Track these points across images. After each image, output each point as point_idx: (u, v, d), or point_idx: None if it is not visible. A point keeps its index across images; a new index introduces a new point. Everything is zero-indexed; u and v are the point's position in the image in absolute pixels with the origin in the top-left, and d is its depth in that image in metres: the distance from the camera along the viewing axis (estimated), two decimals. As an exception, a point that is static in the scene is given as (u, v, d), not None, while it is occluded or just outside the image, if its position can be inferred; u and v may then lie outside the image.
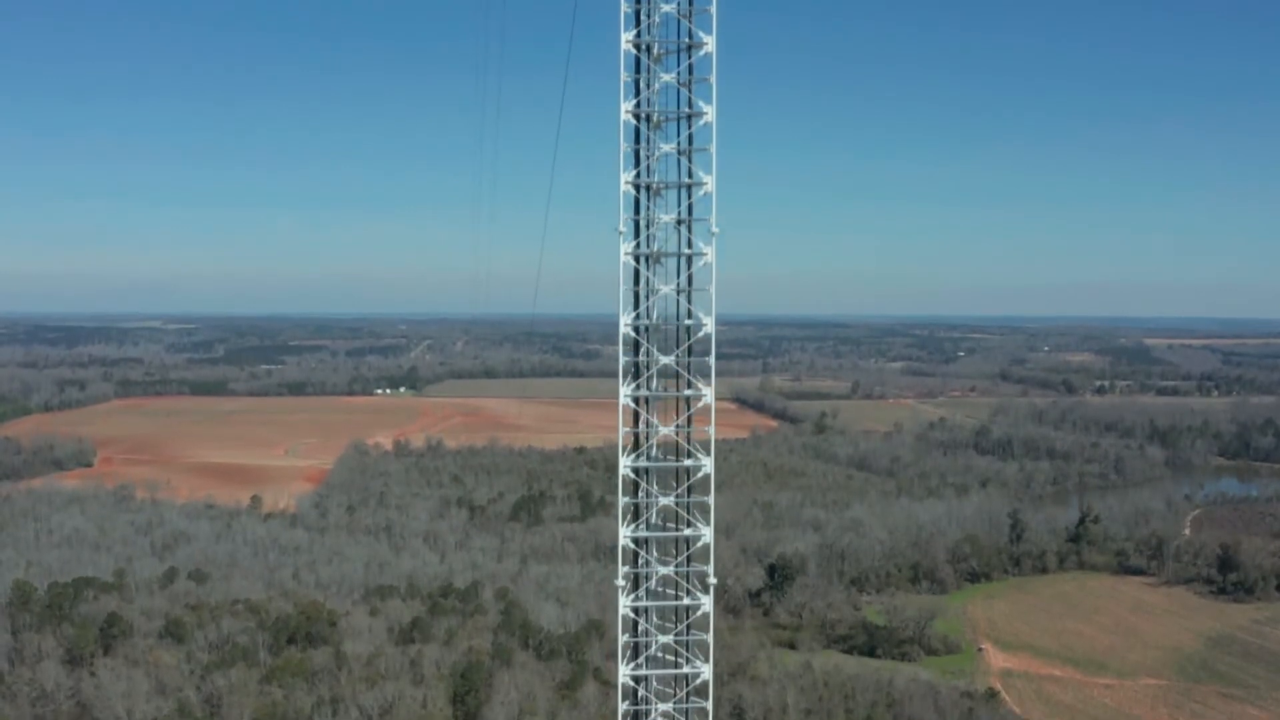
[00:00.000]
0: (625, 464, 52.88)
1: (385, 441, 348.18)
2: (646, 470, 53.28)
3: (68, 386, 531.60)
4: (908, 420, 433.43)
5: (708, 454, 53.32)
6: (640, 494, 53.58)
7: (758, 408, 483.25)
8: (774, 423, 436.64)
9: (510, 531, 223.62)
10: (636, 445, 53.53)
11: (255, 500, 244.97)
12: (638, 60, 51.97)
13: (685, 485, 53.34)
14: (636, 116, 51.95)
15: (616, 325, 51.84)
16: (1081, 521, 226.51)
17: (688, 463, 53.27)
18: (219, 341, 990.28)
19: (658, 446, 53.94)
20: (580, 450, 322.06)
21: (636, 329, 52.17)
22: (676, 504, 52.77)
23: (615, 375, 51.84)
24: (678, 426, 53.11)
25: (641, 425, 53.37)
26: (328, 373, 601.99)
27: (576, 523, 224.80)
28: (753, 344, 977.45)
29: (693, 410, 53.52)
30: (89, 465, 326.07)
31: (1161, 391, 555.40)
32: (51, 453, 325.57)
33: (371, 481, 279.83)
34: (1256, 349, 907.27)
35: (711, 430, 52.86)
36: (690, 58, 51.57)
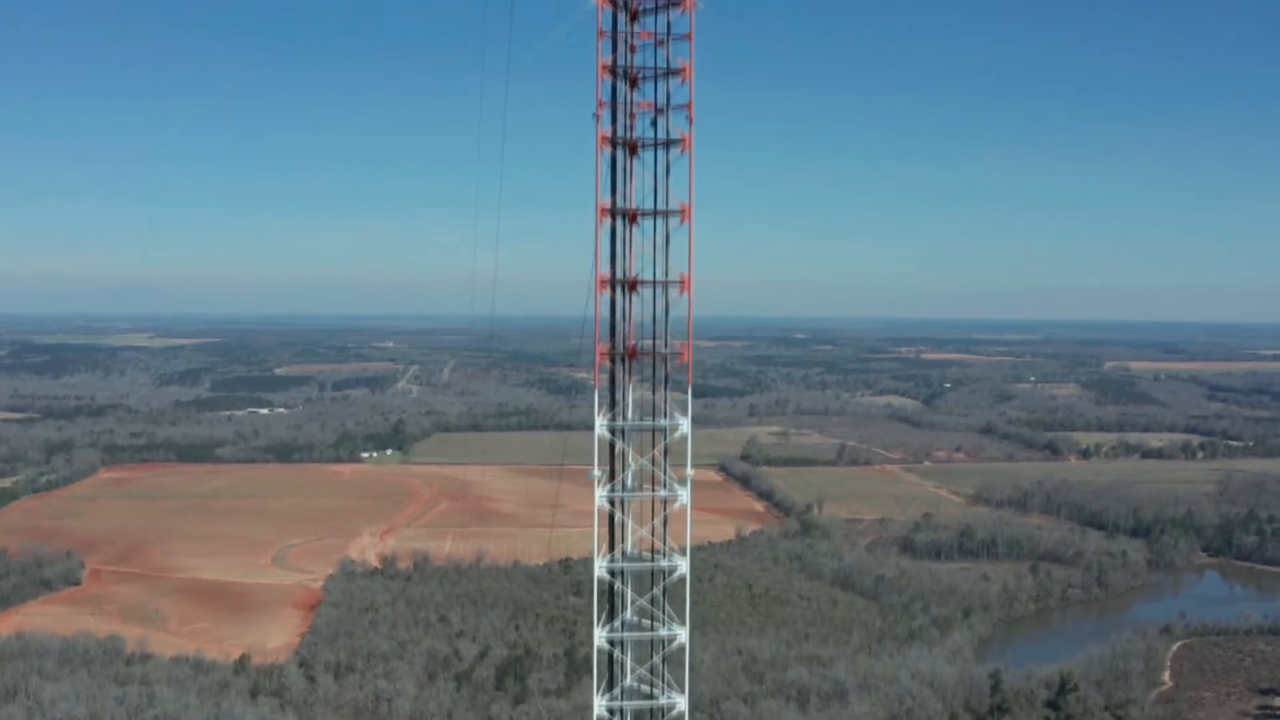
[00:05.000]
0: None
1: (372, 553, 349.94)
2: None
3: (55, 454, 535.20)
4: (891, 501, 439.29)
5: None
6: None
7: (744, 482, 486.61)
8: (760, 506, 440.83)
9: (497, 709, 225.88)
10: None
11: (243, 661, 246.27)
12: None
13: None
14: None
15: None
16: (1061, 691, 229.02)
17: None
18: (205, 371, 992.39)
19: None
20: (566, 567, 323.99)
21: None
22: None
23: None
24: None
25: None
26: (315, 430, 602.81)
27: (561, 697, 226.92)
28: (738, 372, 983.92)
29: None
30: (78, 584, 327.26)
31: (1146, 455, 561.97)
32: (40, 571, 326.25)
33: (359, 619, 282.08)
34: (1243, 378, 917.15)
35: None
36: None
